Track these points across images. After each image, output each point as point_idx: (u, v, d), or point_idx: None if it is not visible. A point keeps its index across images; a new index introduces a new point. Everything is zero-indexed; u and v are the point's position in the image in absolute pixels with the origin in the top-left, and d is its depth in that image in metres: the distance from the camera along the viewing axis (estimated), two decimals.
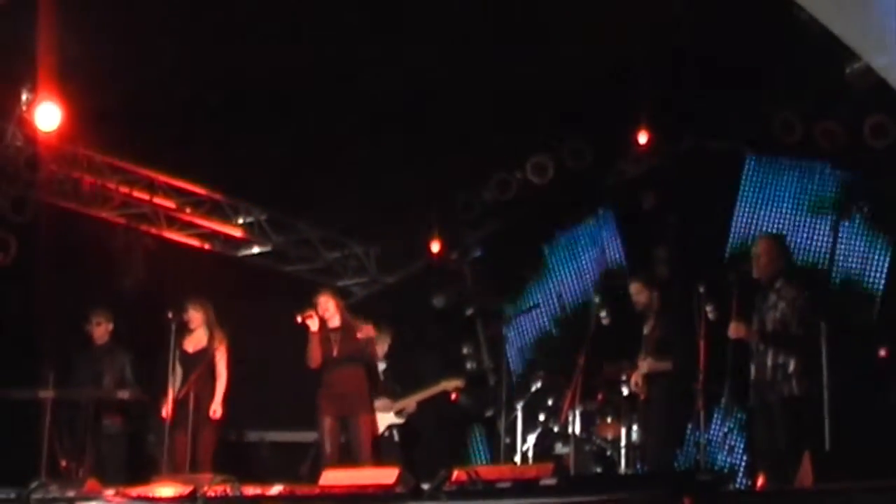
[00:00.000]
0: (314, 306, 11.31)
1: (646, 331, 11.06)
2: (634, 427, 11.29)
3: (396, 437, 12.47)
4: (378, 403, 11.93)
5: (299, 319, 11.23)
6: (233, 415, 11.99)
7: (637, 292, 11.14)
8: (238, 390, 11.89)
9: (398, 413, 12.40)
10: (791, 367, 9.23)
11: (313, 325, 11.21)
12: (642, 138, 12.93)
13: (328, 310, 11.33)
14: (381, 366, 12.41)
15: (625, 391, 11.32)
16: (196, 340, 11.74)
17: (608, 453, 11.53)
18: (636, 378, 10.98)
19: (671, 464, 10.89)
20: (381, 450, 11.65)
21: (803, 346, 9.27)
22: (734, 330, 9.45)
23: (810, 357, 9.23)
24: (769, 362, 9.34)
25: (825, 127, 12.09)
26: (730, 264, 9.72)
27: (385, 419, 12.24)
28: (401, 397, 12.44)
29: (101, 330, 12.13)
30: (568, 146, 13.42)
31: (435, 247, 14.52)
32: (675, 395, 10.63)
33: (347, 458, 11.05)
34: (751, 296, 9.56)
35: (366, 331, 11.37)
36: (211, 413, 11.52)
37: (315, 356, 11.22)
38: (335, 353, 11.23)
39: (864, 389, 10.89)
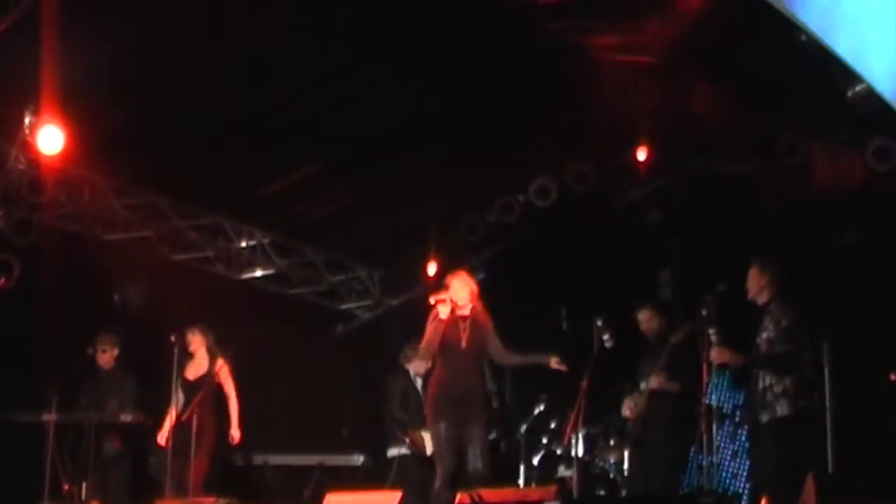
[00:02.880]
0: (446, 288, 10.10)
1: (650, 346, 11.02)
2: None
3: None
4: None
5: (432, 301, 9.99)
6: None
7: (648, 319, 11.11)
8: (242, 413, 11.92)
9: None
10: (780, 387, 9.16)
11: (444, 310, 9.91)
12: (645, 160, 12.90)
13: (461, 298, 10.03)
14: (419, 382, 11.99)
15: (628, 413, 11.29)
16: (197, 367, 11.82)
17: (611, 476, 11.50)
18: (629, 402, 10.93)
19: (673, 485, 10.83)
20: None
21: (788, 365, 9.17)
22: (717, 354, 9.36)
23: (807, 377, 9.19)
24: (760, 384, 9.29)
25: (827, 149, 12.08)
26: (712, 287, 9.52)
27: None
28: None
29: (106, 357, 12.13)
30: (571, 169, 13.42)
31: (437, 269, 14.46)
32: (679, 417, 10.60)
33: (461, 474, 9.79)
34: (743, 319, 9.52)
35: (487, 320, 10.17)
36: (231, 439, 11.77)
37: (434, 346, 9.94)
38: (464, 343, 9.91)
39: (868, 411, 10.85)
